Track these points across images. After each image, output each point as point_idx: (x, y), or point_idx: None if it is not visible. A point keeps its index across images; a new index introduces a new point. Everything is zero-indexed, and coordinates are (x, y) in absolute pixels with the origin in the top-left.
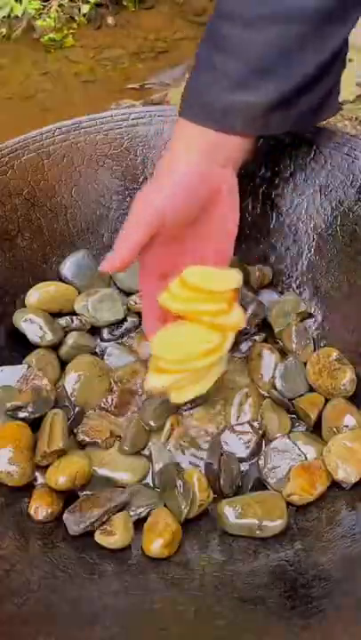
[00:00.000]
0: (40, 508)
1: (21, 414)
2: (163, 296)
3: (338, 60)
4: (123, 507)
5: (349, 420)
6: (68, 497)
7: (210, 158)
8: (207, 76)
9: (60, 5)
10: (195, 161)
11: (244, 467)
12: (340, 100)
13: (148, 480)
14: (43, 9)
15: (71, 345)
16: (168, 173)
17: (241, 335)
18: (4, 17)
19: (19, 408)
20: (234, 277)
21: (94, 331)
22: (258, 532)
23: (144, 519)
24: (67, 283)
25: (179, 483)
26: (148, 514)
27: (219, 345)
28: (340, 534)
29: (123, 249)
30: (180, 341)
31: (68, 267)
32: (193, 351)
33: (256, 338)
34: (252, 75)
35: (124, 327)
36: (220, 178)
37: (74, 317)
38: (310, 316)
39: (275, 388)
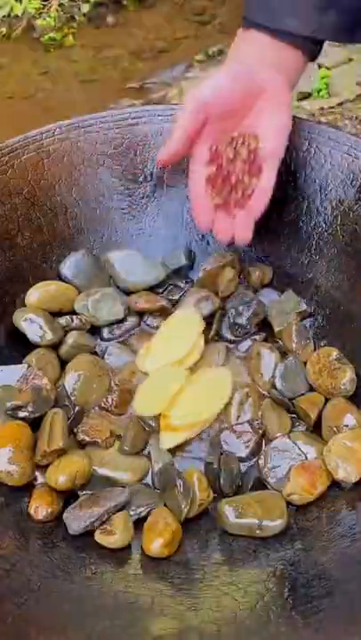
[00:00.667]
0: (40, 508)
1: (21, 414)
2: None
3: None
4: (123, 506)
5: (349, 419)
6: (67, 496)
7: (259, 58)
8: None
9: (61, 5)
10: (244, 59)
11: (244, 466)
12: (340, 99)
13: (148, 480)
14: (43, 8)
15: (71, 344)
16: (218, 70)
17: (241, 334)
18: (4, 16)
19: (19, 407)
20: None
21: (94, 330)
22: (258, 532)
23: (144, 519)
24: (67, 282)
25: (179, 482)
26: (148, 513)
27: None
28: (340, 534)
29: (172, 139)
30: (197, 401)
31: (68, 266)
32: (210, 409)
33: (256, 337)
34: None
35: (124, 327)
36: (265, 75)
37: (74, 317)
38: (310, 315)
39: (275, 388)
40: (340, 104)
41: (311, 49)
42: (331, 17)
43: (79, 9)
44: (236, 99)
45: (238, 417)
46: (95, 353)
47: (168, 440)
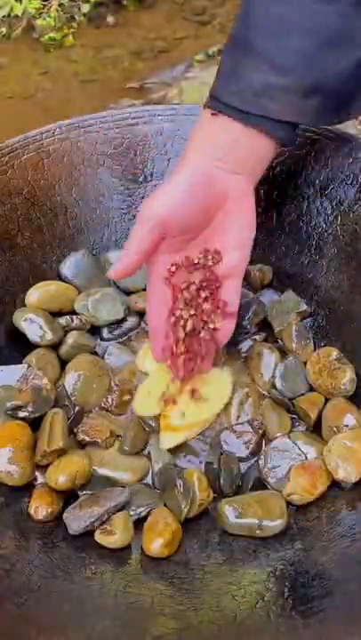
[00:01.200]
0: (40, 508)
1: (21, 414)
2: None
3: None
4: (123, 506)
5: (349, 419)
6: (67, 496)
7: (219, 161)
8: (243, 57)
9: (61, 5)
10: (201, 164)
11: (244, 466)
12: None
13: (148, 480)
14: (43, 8)
15: (71, 344)
16: (173, 177)
17: (241, 335)
18: (3, 16)
19: (19, 407)
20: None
21: (94, 330)
22: (258, 532)
23: (144, 519)
24: (67, 282)
25: (179, 482)
26: (148, 513)
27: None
28: (340, 534)
29: (126, 256)
30: (197, 401)
31: (67, 266)
32: (210, 409)
33: (256, 337)
34: (290, 58)
35: (124, 327)
36: (226, 183)
37: (74, 317)
38: (310, 315)
39: (275, 388)
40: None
41: (286, 136)
42: (315, 101)
43: (79, 9)
44: (195, 214)
45: (238, 417)
46: (95, 353)
47: (168, 440)
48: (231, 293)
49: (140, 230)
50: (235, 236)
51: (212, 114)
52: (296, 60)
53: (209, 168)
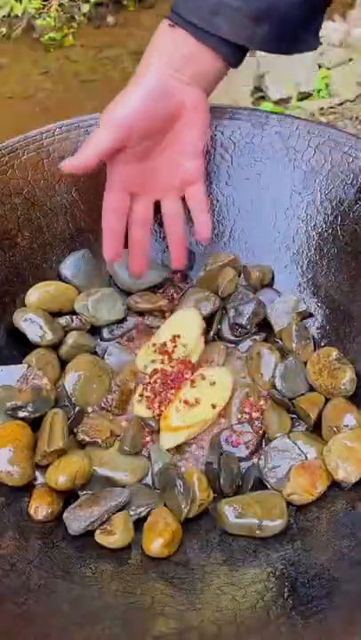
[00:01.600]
0: (40, 508)
1: (21, 414)
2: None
3: None
4: (123, 506)
5: (349, 419)
6: (67, 497)
7: (177, 72)
8: None
9: (61, 5)
10: (161, 74)
11: (244, 466)
12: (340, 99)
13: (148, 480)
14: (43, 8)
15: (71, 344)
16: (133, 86)
17: (241, 335)
18: (3, 16)
19: (19, 407)
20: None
21: (94, 330)
22: (258, 532)
23: (144, 519)
24: (67, 282)
25: (179, 482)
26: (148, 513)
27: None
28: (340, 534)
29: (83, 151)
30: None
31: (67, 266)
32: (210, 409)
33: (256, 337)
34: None
35: (124, 327)
36: (183, 93)
37: (74, 317)
38: (310, 315)
39: (275, 388)
40: (341, 104)
41: (234, 59)
42: (264, 28)
43: (79, 9)
44: (155, 122)
45: (239, 417)
46: (95, 353)
47: (168, 440)
48: (199, 197)
49: (102, 131)
50: (192, 144)
51: (170, 25)
52: None
53: (168, 78)
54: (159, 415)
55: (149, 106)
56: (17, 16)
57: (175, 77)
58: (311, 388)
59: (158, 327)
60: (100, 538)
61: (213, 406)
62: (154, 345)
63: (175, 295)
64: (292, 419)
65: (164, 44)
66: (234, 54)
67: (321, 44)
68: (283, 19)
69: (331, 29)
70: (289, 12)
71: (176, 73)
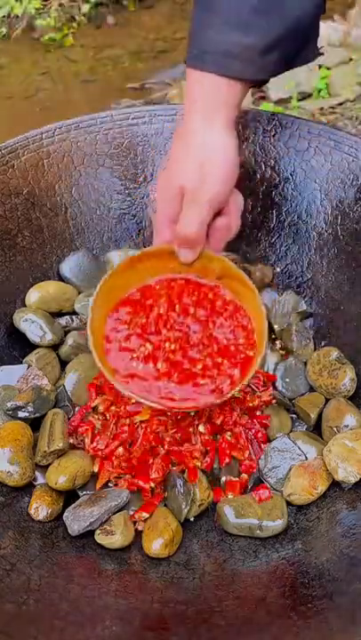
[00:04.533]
0: (40, 508)
1: (21, 414)
2: None
3: (320, 9)
4: (123, 507)
5: (349, 419)
6: (68, 497)
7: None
8: (206, 17)
9: (61, 5)
10: (228, 137)
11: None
12: (340, 99)
13: None
14: (43, 8)
15: (71, 344)
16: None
17: None
18: (3, 16)
19: (19, 408)
20: None
21: None
22: (258, 532)
23: (144, 519)
24: (67, 282)
25: (179, 482)
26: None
27: None
28: (340, 534)
29: (194, 234)
30: None
31: (68, 266)
32: None
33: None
34: (251, 15)
35: None
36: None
37: (74, 317)
38: (310, 315)
39: (275, 388)
40: (341, 104)
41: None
42: (273, 57)
43: (79, 9)
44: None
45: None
46: None
47: None
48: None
49: (197, 206)
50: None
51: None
52: (256, 16)
53: (233, 138)
54: None
55: (232, 174)
56: (17, 16)
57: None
58: (311, 388)
59: None
60: (100, 538)
61: None
62: None
63: None
64: (292, 419)
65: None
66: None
67: (322, 54)
68: (291, 40)
69: (331, 29)
70: (298, 27)
71: (232, 124)
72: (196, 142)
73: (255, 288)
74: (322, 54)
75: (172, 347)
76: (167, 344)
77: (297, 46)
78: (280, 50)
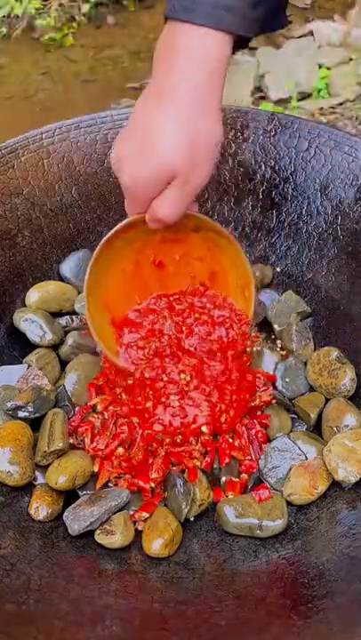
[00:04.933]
0: (40, 508)
1: (21, 414)
2: None
3: None
4: (123, 507)
5: (349, 419)
6: (68, 496)
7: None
8: None
9: (61, 5)
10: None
11: None
12: (340, 99)
13: None
14: (43, 8)
15: (71, 344)
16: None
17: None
18: (3, 16)
19: (19, 407)
20: None
21: None
22: (258, 532)
23: (144, 519)
24: (67, 282)
25: (179, 482)
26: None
27: None
28: (340, 534)
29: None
30: None
31: (68, 266)
32: None
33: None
34: None
35: None
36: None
37: (74, 317)
38: (310, 315)
39: (275, 388)
40: (341, 104)
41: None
42: (260, 11)
43: (79, 9)
44: None
45: None
46: (95, 353)
47: None
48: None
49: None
50: None
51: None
52: None
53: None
54: None
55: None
56: (17, 16)
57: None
58: (311, 388)
59: None
60: (100, 538)
61: None
62: None
63: None
64: (292, 419)
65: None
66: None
67: (291, 22)
68: (273, 1)
69: (331, 29)
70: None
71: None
72: (184, 111)
73: (232, 236)
74: (291, 22)
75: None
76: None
77: (277, 4)
78: (265, 5)
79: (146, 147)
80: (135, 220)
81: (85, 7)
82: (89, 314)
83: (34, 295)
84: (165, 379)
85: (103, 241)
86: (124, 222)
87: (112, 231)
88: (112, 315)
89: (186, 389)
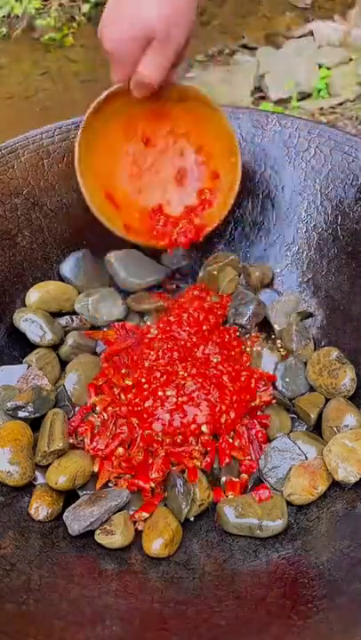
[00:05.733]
0: (40, 508)
1: (21, 414)
2: None
3: None
4: (123, 507)
5: (349, 419)
6: (68, 496)
7: None
8: None
9: (61, 5)
10: None
11: None
12: (340, 99)
13: None
14: (43, 8)
15: (71, 344)
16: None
17: (241, 335)
18: (3, 16)
19: (19, 407)
20: None
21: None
22: (258, 532)
23: (144, 519)
24: (67, 282)
25: (179, 482)
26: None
27: None
28: (340, 534)
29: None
30: None
31: (68, 266)
32: None
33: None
34: None
35: None
36: None
37: (74, 317)
38: (310, 315)
39: (275, 388)
40: (341, 104)
41: None
42: None
43: (79, 9)
44: None
45: None
46: (95, 353)
47: None
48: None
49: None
50: None
51: None
52: None
53: None
54: None
55: None
56: (17, 16)
57: None
58: (311, 388)
59: None
60: (100, 538)
61: None
62: None
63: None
64: (292, 419)
65: None
66: None
67: None
68: None
69: (331, 29)
70: None
71: None
72: None
73: (219, 107)
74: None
75: None
76: None
77: None
78: None
79: (123, 10)
80: (121, 89)
81: (85, 7)
82: (84, 189)
83: (34, 295)
84: (164, 378)
85: (90, 109)
86: (110, 89)
87: (98, 99)
88: (106, 190)
89: (184, 386)
